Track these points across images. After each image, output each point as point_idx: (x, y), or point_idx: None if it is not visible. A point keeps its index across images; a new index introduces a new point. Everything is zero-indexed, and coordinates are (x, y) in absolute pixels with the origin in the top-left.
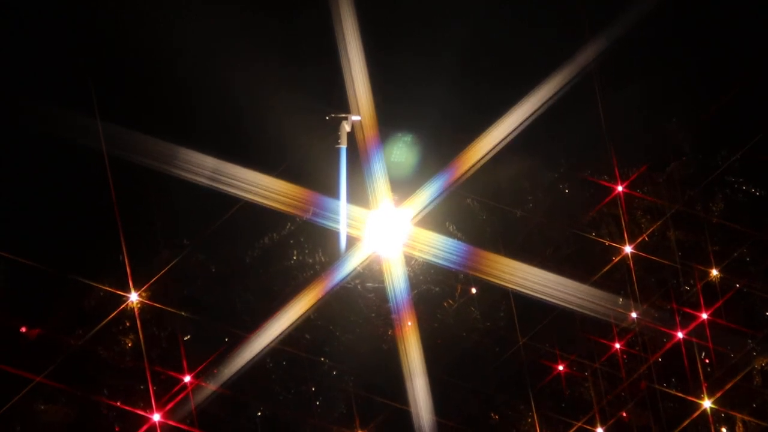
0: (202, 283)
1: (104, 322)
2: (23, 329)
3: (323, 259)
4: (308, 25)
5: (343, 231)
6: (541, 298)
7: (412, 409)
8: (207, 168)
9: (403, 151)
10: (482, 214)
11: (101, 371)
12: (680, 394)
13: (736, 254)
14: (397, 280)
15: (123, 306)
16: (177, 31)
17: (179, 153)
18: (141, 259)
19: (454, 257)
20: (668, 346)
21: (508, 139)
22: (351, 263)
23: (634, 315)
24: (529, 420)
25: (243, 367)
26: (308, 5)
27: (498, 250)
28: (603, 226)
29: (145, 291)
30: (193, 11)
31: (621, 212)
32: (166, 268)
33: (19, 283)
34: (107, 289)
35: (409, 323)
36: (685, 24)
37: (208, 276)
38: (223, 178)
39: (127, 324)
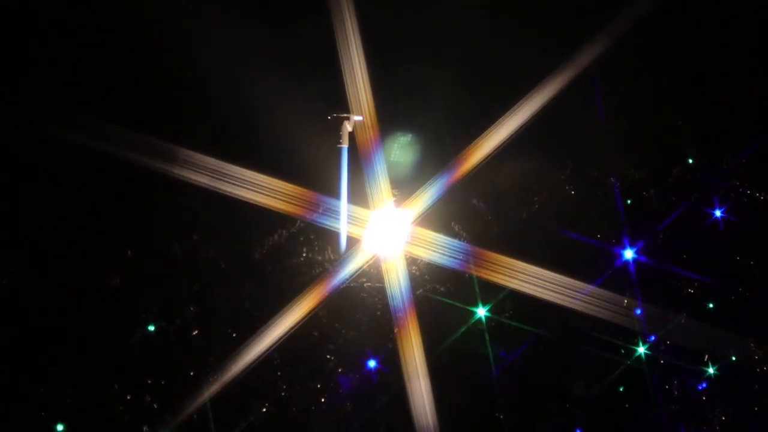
0: (211, 278)
1: (114, 317)
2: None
3: (332, 257)
4: (312, 29)
5: (344, 231)
6: (546, 300)
7: (417, 408)
8: (208, 167)
9: (404, 151)
10: (488, 214)
11: (110, 366)
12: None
13: (740, 258)
14: (397, 279)
15: (134, 300)
16: (185, 39)
17: (191, 155)
18: (151, 254)
19: (458, 257)
20: (672, 352)
21: (509, 140)
22: (353, 263)
23: (637, 314)
24: (533, 422)
25: (250, 363)
26: (312, 11)
27: (502, 251)
28: (608, 229)
29: (155, 285)
30: (200, 19)
31: (626, 215)
32: (176, 263)
33: (26, 278)
34: (116, 283)
35: (413, 322)
36: (686, 27)
37: (217, 271)
38: (230, 178)
39: (136, 318)
